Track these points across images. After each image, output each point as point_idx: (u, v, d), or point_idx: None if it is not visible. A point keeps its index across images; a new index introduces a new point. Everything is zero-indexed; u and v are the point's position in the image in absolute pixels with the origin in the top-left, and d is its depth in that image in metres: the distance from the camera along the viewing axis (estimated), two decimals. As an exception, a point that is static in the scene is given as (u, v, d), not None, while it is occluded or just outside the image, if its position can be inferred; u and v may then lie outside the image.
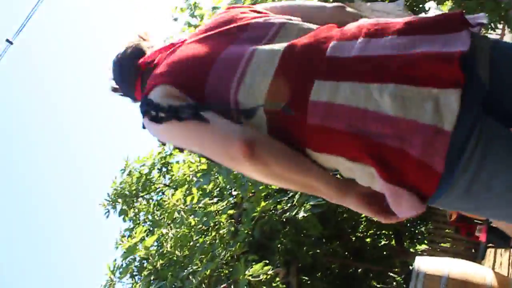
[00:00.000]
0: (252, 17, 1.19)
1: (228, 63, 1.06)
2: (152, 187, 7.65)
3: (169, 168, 7.74)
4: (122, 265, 5.56)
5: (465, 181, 0.88)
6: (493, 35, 7.14)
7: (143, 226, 6.42)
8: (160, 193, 7.74)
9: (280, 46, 1.03)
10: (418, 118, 0.85)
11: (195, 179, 6.67)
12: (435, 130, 0.84)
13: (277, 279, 5.06)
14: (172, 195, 6.31)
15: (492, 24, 5.11)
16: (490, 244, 5.45)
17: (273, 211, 6.22)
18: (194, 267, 4.81)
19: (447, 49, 0.88)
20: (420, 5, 5.56)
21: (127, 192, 7.46)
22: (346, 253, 9.17)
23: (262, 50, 1.04)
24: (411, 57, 0.90)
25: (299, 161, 0.98)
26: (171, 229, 5.83)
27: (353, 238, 9.36)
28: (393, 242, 9.70)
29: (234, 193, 6.26)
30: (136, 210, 7.47)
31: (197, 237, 5.57)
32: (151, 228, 6.53)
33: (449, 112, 0.84)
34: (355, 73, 0.93)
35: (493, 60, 0.93)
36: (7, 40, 7.54)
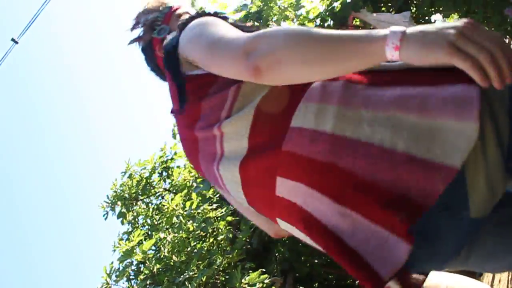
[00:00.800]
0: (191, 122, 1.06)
1: (212, 178, 1.10)
2: (152, 191, 7.64)
3: (170, 172, 7.74)
4: (118, 268, 5.54)
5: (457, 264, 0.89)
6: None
7: (141, 229, 6.40)
8: (160, 197, 7.73)
9: (233, 176, 0.98)
10: None
11: (195, 184, 6.65)
12: None
13: (274, 288, 5.03)
14: (172, 199, 6.29)
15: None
16: (490, 260, 5.40)
17: (272, 219, 6.18)
18: (191, 273, 4.78)
19: (376, 266, 0.76)
20: (426, 17, 5.56)
21: (126, 195, 7.44)
22: (344, 264, 9.12)
23: (225, 177, 1.02)
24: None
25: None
26: (169, 233, 5.81)
27: (352, 249, 9.31)
28: (392, 254, 9.64)
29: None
30: (135, 214, 7.45)
31: (195, 243, 5.55)
32: (149, 232, 6.51)
33: None
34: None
35: None
36: (13, 40, 7.56)
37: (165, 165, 7.74)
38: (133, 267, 5.84)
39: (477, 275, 6.31)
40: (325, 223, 0.82)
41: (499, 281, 5.43)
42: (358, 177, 0.77)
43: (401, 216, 0.73)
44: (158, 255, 5.48)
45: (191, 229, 5.69)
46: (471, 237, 0.78)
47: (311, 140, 0.83)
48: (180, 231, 5.75)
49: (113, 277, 5.41)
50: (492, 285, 5.56)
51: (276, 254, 6.54)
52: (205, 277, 4.75)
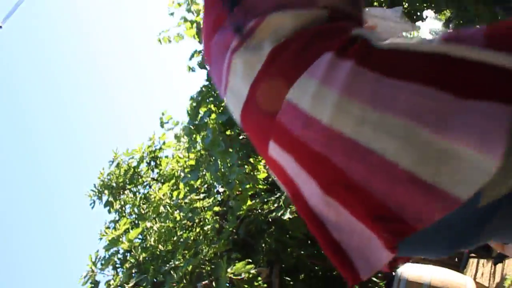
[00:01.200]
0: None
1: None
2: (140, 180, 7.62)
3: (158, 162, 7.72)
4: (104, 256, 5.54)
5: None
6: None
7: (128, 218, 6.39)
8: (147, 187, 7.72)
9: (236, 113, 0.91)
10: None
11: (182, 174, 6.64)
12: None
13: (259, 278, 5.05)
14: (159, 189, 6.28)
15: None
16: (473, 254, 5.49)
17: (259, 210, 6.22)
18: (177, 262, 4.79)
19: (357, 263, 0.77)
20: (418, 13, 5.57)
21: (114, 184, 7.42)
22: (330, 256, 9.18)
23: (229, 106, 0.95)
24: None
25: None
26: (156, 223, 5.81)
27: (338, 242, 9.35)
28: (377, 247, 9.71)
29: (221, 190, 6.25)
30: (122, 203, 7.44)
31: (181, 232, 5.55)
32: (136, 221, 6.51)
33: None
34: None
35: None
36: (-3, 24, 7.47)
37: (153, 155, 7.72)
38: (119, 256, 5.84)
39: (461, 268, 6.41)
40: (311, 205, 0.80)
41: (482, 274, 5.51)
42: (351, 179, 0.70)
43: (388, 234, 0.69)
44: (144, 244, 5.48)
45: (178, 218, 5.69)
46: (485, 223, 0.71)
47: (305, 125, 0.74)
48: (167, 221, 5.75)
49: (99, 265, 5.40)
50: (475, 278, 5.64)
51: (263, 245, 6.57)
52: (191, 266, 4.76)
